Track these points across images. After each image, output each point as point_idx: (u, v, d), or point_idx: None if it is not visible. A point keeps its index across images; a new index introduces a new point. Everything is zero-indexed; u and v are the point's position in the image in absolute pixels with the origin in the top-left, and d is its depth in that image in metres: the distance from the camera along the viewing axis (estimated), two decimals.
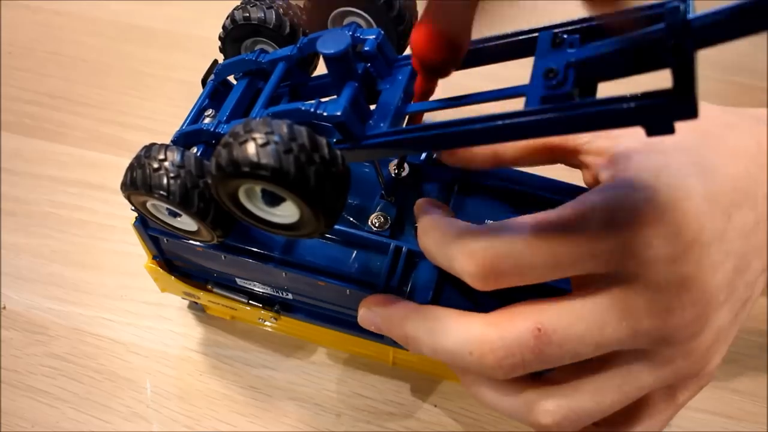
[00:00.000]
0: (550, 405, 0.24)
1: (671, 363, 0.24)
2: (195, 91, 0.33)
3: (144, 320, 0.42)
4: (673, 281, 0.22)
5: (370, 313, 0.29)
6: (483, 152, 0.29)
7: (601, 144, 0.26)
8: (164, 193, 0.25)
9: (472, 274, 0.24)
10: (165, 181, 0.25)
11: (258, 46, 0.31)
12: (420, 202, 0.29)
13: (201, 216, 0.26)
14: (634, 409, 0.26)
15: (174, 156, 0.26)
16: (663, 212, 0.22)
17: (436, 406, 0.39)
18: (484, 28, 0.26)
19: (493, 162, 0.30)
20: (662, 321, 0.22)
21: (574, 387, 0.25)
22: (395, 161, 0.33)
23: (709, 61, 0.57)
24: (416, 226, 0.28)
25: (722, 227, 0.23)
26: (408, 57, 0.27)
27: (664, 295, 0.22)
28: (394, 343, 0.34)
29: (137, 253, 0.37)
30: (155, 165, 0.26)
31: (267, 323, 0.39)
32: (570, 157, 0.28)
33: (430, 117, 0.28)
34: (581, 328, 0.23)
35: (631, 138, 0.25)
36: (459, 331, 0.25)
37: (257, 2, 0.31)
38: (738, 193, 0.23)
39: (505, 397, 0.26)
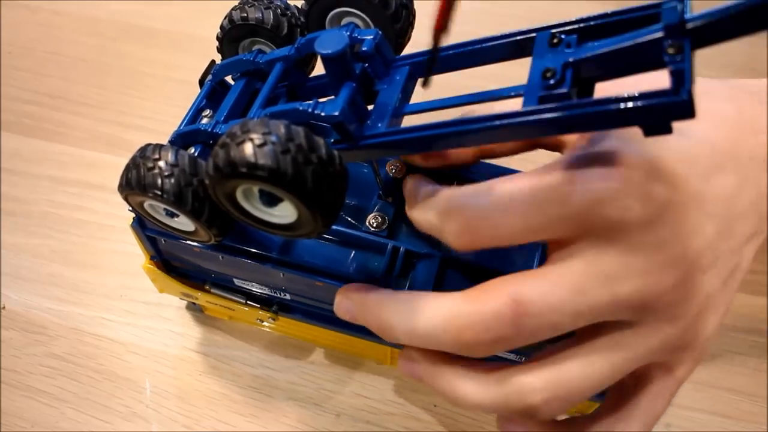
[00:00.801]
0: (538, 382, 0.23)
1: (658, 331, 0.23)
2: (195, 91, 0.33)
3: (143, 320, 0.42)
4: (649, 243, 0.21)
5: (346, 300, 0.28)
6: (466, 150, 0.29)
7: None
8: (158, 192, 0.25)
9: (452, 234, 0.24)
10: (159, 180, 0.25)
11: (256, 47, 0.31)
12: (408, 178, 0.29)
13: (196, 215, 0.26)
14: (633, 389, 0.25)
15: (168, 155, 0.26)
16: (635, 173, 0.21)
17: (435, 406, 0.39)
18: (484, 28, 0.26)
19: (474, 154, 0.29)
20: (641, 285, 0.22)
21: (561, 363, 0.23)
22: (393, 161, 0.33)
23: (708, 61, 0.57)
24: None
25: (701, 189, 0.22)
26: (406, 57, 0.27)
27: (641, 258, 0.21)
28: (392, 343, 0.34)
29: (137, 253, 0.37)
30: (149, 165, 0.26)
31: (265, 324, 0.39)
32: (555, 144, 0.28)
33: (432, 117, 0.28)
34: (558, 296, 0.22)
35: None
36: (433, 310, 0.24)
37: (255, 2, 0.31)
38: (718, 156, 0.23)
39: (488, 386, 0.25)
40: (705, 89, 0.24)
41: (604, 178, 0.21)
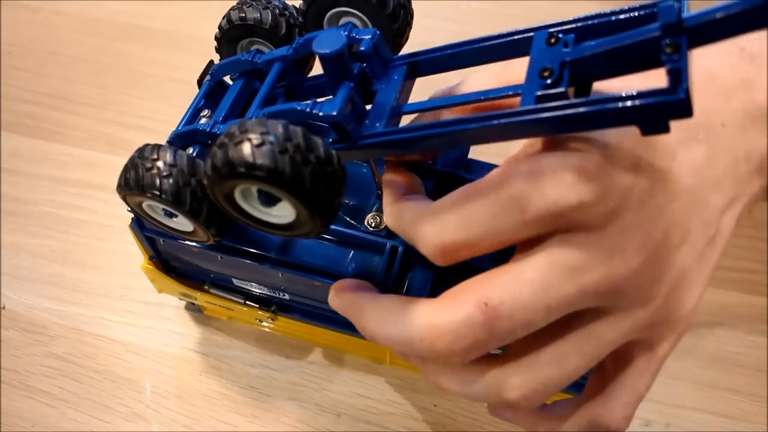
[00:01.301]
0: (515, 380, 0.24)
1: (630, 314, 0.23)
2: (195, 92, 0.33)
3: (143, 320, 0.42)
4: (611, 232, 0.21)
5: (336, 298, 0.29)
6: None
7: None
8: (156, 192, 0.25)
9: (429, 256, 0.24)
10: (157, 180, 0.25)
11: (254, 47, 0.31)
12: (385, 176, 0.29)
13: (194, 215, 0.26)
14: (615, 369, 0.25)
15: (166, 156, 0.26)
16: (591, 167, 0.21)
17: (435, 405, 0.39)
18: (483, 27, 0.26)
19: None
20: (606, 272, 0.21)
21: (534, 357, 0.24)
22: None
23: None
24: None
25: (665, 167, 0.22)
26: (403, 57, 0.27)
27: (605, 247, 0.21)
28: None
29: (137, 253, 0.37)
30: (148, 165, 0.26)
31: (264, 323, 0.39)
32: None
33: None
34: (526, 295, 0.22)
35: None
36: (407, 320, 0.24)
37: (253, 3, 0.31)
38: (684, 129, 0.22)
39: (468, 381, 0.25)
40: None
41: (558, 182, 0.21)
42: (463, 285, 0.24)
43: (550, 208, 0.21)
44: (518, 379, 0.24)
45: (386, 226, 0.31)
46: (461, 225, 0.23)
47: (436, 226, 0.23)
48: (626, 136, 0.22)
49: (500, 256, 0.24)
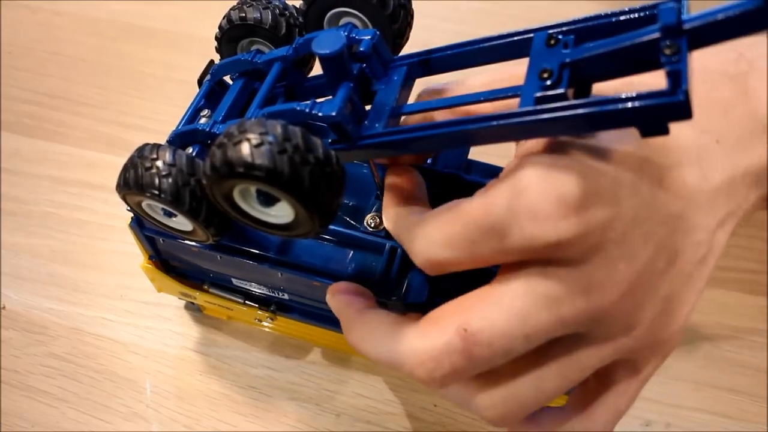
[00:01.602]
0: (492, 399, 0.24)
1: (611, 340, 0.23)
2: (195, 91, 0.33)
3: (143, 320, 0.42)
4: (591, 263, 0.21)
5: (332, 300, 0.29)
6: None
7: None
8: (156, 192, 0.25)
9: (419, 267, 0.25)
10: (156, 180, 0.25)
11: (254, 47, 0.31)
12: (388, 177, 0.29)
13: (193, 214, 0.26)
14: (597, 387, 0.25)
15: (165, 155, 0.26)
16: (571, 201, 0.20)
17: (435, 405, 0.39)
18: (483, 27, 0.26)
19: None
20: (586, 304, 0.21)
21: (512, 378, 0.23)
22: None
23: None
24: None
25: (651, 193, 0.21)
26: (403, 57, 0.27)
27: (582, 278, 0.21)
28: None
29: (137, 253, 0.37)
30: (147, 164, 0.26)
31: (264, 323, 0.39)
32: None
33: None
34: (504, 323, 0.21)
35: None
36: (391, 343, 0.25)
37: (253, 2, 0.31)
38: (674, 153, 0.22)
39: (448, 394, 0.25)
40: None
41: (536, 217, 0.20)
42: (443, 309, 0.24)
43: (527, 243, 0.21)
44: (495, 399, 0.24)
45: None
46: (444, 245, 0.23)
47: (423, 242, 0.24)
48: (620, 154, 0.21)
49: None
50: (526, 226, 0.21)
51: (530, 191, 0.21)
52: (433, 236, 0.23)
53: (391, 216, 0.27)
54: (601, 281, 0.21)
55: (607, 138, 0.22)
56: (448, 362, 0.23)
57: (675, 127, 0.19)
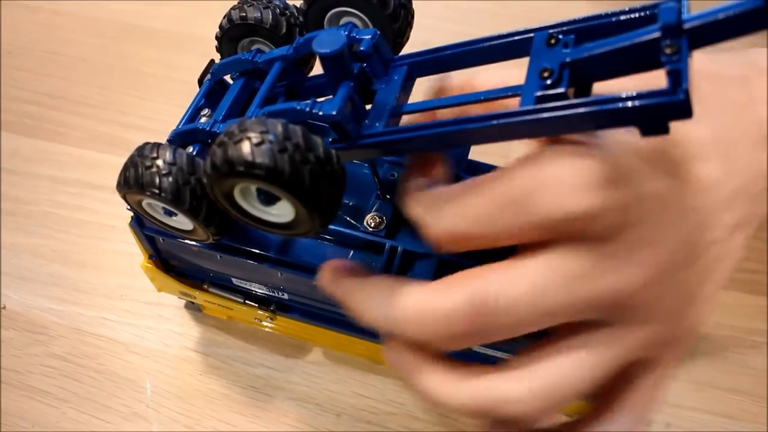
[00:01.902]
0: (518, 392, 0.22)
1: (635, 330, 0.22)
2: (195, 91, 0.33)
3: (144, 320, 0.42)
4: (616, 242, 0.21)
5: (328, 278, 0.28)
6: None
7: None
8: (156, 191, 0.26)
9: (428, 242, 0.24)
10: (157, 178, 0.26)
11: (254, 46, 0.31)
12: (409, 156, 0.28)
13: (193, 213, 0.26)
14: (618, 388, 0.25)
15: (166, 154, 0.26)
16: (605, 178, 0.20)
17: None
18: (483, 27, 0.26)
19: None
20: (607, 285, 0.21)
21: (535, 369, 0.23)
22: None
23: None
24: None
25: (677, 183, 0.21)
26: (404, 57, 0.27)
27: (607, 257, 0.21)
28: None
29: (137, 253, 0.37)
30: (147, 163, 0.26)
31: (263, 323, 0.39)
32: None
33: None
34: (518, 297, 0.21)
35: None
36: (397, 299, 0.24)
37: (254, 2, 0.31)
38: (699, 145, 0.22)
39: (461, 386, 0.24)
40: (716, 71, 0.24)
41: (563, 188, 0.20)
42: (460, 274, 0.23)
43: (551, 215, 0.20)
44: (523, 393, 0.23)
45: (386, 226, 0.31)
46: (467, 217, 0.22)
47: (445, 214, 0.23)
48: (640, 146, 0.21)
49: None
50: (549, 197, 0.20)
51: (555, 165, 0.21)
52: (456, 209, 0.23)
53: (410, 188, 0.25)
54: (624, 264, 0.21)
55: (623, 131, 0.21)
56: (458, 323, 0.22)
57: (692, 126, 0.19)
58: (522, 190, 0.21)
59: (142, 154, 0.26)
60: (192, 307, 0.42)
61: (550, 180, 0.21)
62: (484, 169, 0.34)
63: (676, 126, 0.19)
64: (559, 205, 0.20)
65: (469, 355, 0.34)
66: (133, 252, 0.38)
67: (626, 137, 0.21)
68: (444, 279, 0.23)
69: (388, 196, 0.32)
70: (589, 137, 0.22)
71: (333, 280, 0.27)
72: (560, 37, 0.22)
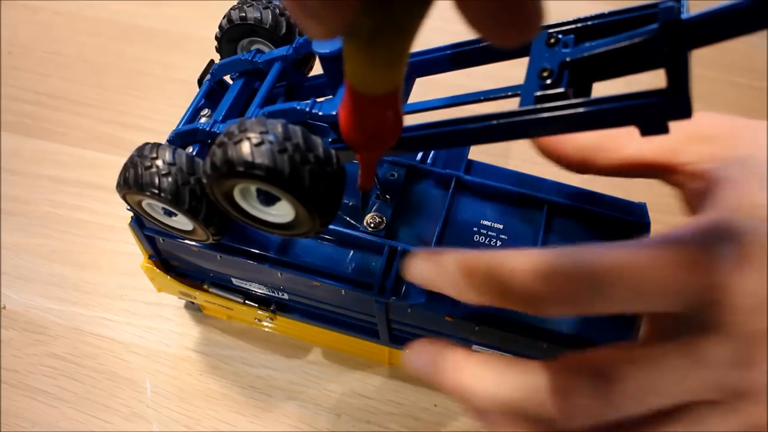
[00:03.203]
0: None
1: (743, 414, 0.22)
2: (194, 91, 0.33)
3: (143, 320, 0.42)
4: (759, 332, 0.20)
5: (416, 356, 0.26)
6: (573, 155, 0.28)
7: (701, 168, 0.25)
8: (156, 191, 0.26)
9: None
10: (156, 179, 0.26)
11: (254, 46, 0.31)
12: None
13: (193, 213, 0.26)
14: None
15: (165, 154, 0.26)
16: (758, 257, 0.20)
17: (436, 405, 0.39)
18: None
19: (582, 166, 0.28)
20: (740, 374, 0.21)
21: None
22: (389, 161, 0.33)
23: (708, 61, 0.57)
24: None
25: None
26: None
27: (747, 347, 0.21)
28: (390, 343, 0.34)
29: (137, 253, 0.37)
30: (147, 164, 0.26)
31: (264, 323, 0.39)
32: (668, 176, 0.27)
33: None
34: (653, 378, 0.21)
35: (744, 165, 0.23)
36: (524, 378, 0.23)
37: (254, 2, 0.31)
38: None
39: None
40: None
41: (730, 270, 0.20)
42: (586, 352, 0.23)
43: (708, 287, 0.21)
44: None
45: (385, 226, 0.31)
46: (601, 270, 0.21)
47: (569, 269, 0.22)
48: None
49: None
50: (712, 266, 0.20)
51: (724, 239, 0.21)
52: (605, 264, 0.22)
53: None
54: (763, 355, 0.21)
55: None
56: (588, 403, 0.22)
57: None
58: (667, 251, 0.21)
59: (142, 154, 0.26)
60: (192, 307, 0.42)
61: (719, 272, 0.21)
62: (483, 168, 0.34)
63: None
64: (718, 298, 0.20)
65: None
66: (132, 252, 0.38)
67: None
68: (570, 357, 0.23)
69: (387, 196, 0.32)
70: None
71: (429, 351, 0.26)
72: (560, 36, 0.22)
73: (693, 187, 0.25)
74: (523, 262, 0.22)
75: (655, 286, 0.21)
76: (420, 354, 0.26)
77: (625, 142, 0.27)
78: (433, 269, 0.25)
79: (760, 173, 0.22)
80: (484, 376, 0.24)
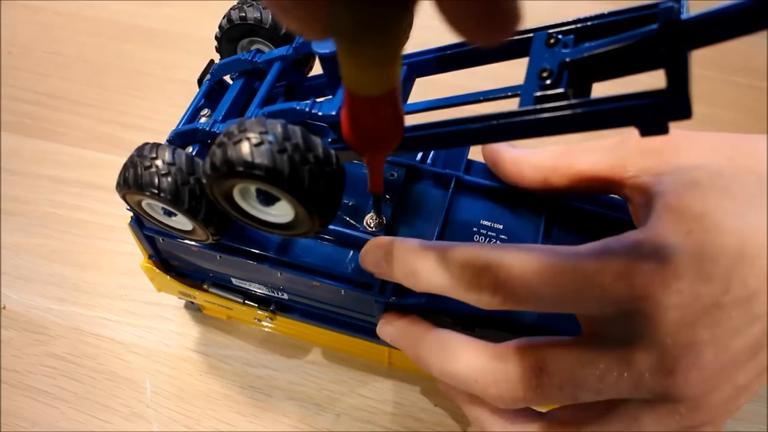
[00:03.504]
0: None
1: (677, 415, 0.23)
2: (194, 91, 0.33)
3: (143, 320, 0.42)
4: (682, 344, 0.22)
5: (388, 326, 0.30)
6: (532, 178, 0.30)
7: (642, 181, 0.26)
8: (155, 191, 0.26)
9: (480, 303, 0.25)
10: (156, 179, 0.26)
11: (254, 46, 0.31)
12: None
13: (192, 213, 0.26)
14: None
15: (165, 154, 0.26)
16: (683, 274, 0.22)
17: (436, 405, 0.39)
18: None
19: (543, 187, 0.30)
20: (665, 380, 0.22)
21: (576, 429, 0.25)
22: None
23: (709, 61, 0.57)
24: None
25: (753, 289, 0.22)
26: (403, 57, 0.27)
27: (670, 356, 0.22)
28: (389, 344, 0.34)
29: (137, 253, 0.37)
30: (146, 164, 0.26)
31: (263, 323, 0.39)
32: (617, 189, 0.28)
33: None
34: (582, 375, 0.23)
35: (676, 178, 0.24)
36: (468, 360, 0.26)
37: (253, 2, 0.31)
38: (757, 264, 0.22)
39: (509, 428, 0.27)
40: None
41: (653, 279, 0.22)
42: (527, 342, 0.25)
43: (635, 299, 0.22)
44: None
45: (385, 225, 0.31)
46: (532, 273, 0.24)
47: (503, 266, 0.24)
48: (725, 252, 0.22)
49: None
50: (639, 290, 0.22)
51: (655, 254, 0.22)
52: (536, 267, 0.24)
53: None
54: (686, 364, 0.22)
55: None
56: (521, 389, 0.24)
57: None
58: (601, 262, 0.23)
59: (142, 154, 0.26)
60: (192, 307, 0.42)
61: (641, 273, 0.22)
62: (483, 168, 0.34)
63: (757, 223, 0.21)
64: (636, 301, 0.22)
65: None
66: (133, 252, 0.38)
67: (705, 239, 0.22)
68: (510, 344, 0.26)
69: (387, 196, 0.32)
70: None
71: (397, 327, 0.30)
72: (559, 37, 0.22)
73: (636, 200, 0.26)
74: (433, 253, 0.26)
75: (580, 290, 0.23)
76: (389, 324, 0.30)
77: (578, 158, 0.28)
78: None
79: (694, 184, 0.23)
80: (435, 351, 0.28)
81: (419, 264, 0.26)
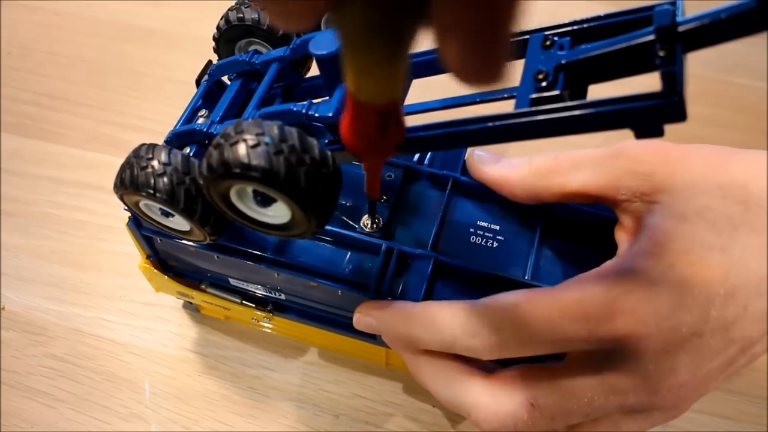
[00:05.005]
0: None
1: (651, 418, 0.26)
2: (193, 92, 0.33)
3: (142, 321, 0.42)
4: (663, 370, 0.23)
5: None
6: (522, 197, 0.30)
7: (633, 207, 0.26)
8: (151, 191, 0.26)
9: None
10: (151, 179, 0.26)
11: (252, 47, 0.31)
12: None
13: (188, 213, 0.26)
14: None
15: (161, 155, 0.26)
16: (664, 307, 0.23)
17: (434, 406, 0.39)
18: None
19: (534, 201, 0.30)
20: (647, 398, 0.24)
21: None
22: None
23: (708, 61, 0.57)
24: None
25: (733, 317, 0.23)
26: None
27: (653, 380, 0.23)
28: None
29: (135, 253, 0.37)
30: (143, 164, 0.26)
31: (261, 323, 0.39)
32: (610, 206, 0.28)
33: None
34: (570, 405, 0.25)
35: (665, 213, 0.25)
36: (460, 393, 0.27)
37: (251, 3, 0.31)
38: (758, 282, 0.23)
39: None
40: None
41: (635, 322, 0.23)
42: (516, 375, 0.26)
43: (617, 332, 0.23)
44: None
45: (382, 226, 0.31)
46: (520, 323, 0.25)
47: (492, 329, 0.25)
48: (710, 281, 0.23)
49: None
50: (619, 314, 0.23)
51: (637, 290, 0.23)
52: (520, 314, 0.25)
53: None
54: (667, 386, 0.24)
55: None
56: (512, 425, 0.26)
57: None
58: (582, 302, 0.24)
59: (138, 155, 0.26)
60: (190, 307, 0.42)
61: (624, 306, 0.23)
62: None
63: (746, 257, 0.23)
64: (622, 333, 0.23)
65: None
66: (131, 253, 0.38)
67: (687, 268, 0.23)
68: (502, 377, 0.27)
69: (384, 197, 0.32)
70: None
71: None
72: (555, 39, 0.22)
73: (626, 224, 0.27)
74: (442, 316, 0.26)
75: (567, 340, 0.24)
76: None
77: (568, 176, 0.28)
78: (375, 322, 0.30)
79: (682, 219, 0.24)
80: (434, 379, 0.29)
81: (413, 332, 0.28)
